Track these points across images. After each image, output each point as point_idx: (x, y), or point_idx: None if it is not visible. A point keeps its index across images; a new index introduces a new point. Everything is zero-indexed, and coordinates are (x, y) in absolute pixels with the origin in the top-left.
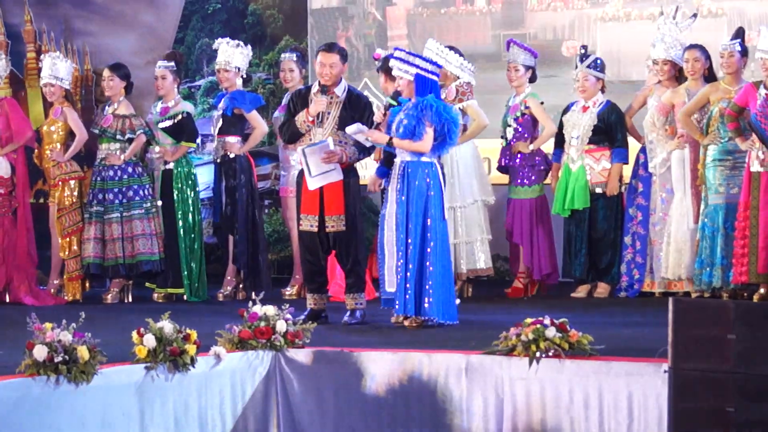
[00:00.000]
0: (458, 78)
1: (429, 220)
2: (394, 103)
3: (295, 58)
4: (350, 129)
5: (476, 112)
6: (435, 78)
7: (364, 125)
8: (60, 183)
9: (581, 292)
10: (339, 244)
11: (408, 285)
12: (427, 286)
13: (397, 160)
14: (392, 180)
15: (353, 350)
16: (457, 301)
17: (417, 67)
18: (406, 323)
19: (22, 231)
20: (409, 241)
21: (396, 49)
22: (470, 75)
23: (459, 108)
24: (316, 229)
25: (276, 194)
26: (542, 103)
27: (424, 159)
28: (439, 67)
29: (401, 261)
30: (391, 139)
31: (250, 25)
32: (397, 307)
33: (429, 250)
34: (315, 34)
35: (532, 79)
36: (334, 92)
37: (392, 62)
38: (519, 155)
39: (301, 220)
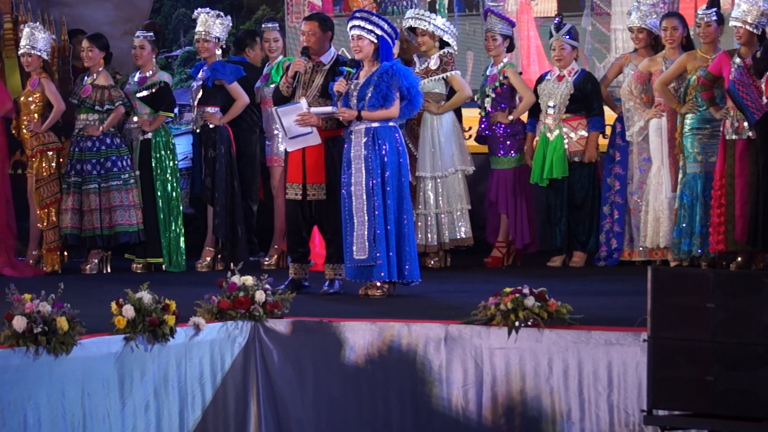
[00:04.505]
0: (442, 44)
1: (404, 183)
2: (352, 70)
3: (278, 28)
4: (316, 110)
5: (460, 84)
6: (392, 43)
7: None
8: (38, 154)
9: (557, 261)
10: (320, 214)
11: (390, 251)
12: (408, 249)
13: (359, 127)
14: (353, 147)
15: (332, 320)
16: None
17: (382, 29)
18: (370, 292)
19: (1, 202)
20: (389, 202)
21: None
22: (453, 40)
23: (443, 78)
24: (300, 197)
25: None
26: (520, 73)
27: (391, 124)
28: (396, 32)
29: (379, 229)
30: (360, 112)
31: None
32: (382, 274)
33: (406, 214)
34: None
35: (510, 48)
36: (320, 60)
37: (355, 21)
38: (498, 125)
39: (287, 188)
